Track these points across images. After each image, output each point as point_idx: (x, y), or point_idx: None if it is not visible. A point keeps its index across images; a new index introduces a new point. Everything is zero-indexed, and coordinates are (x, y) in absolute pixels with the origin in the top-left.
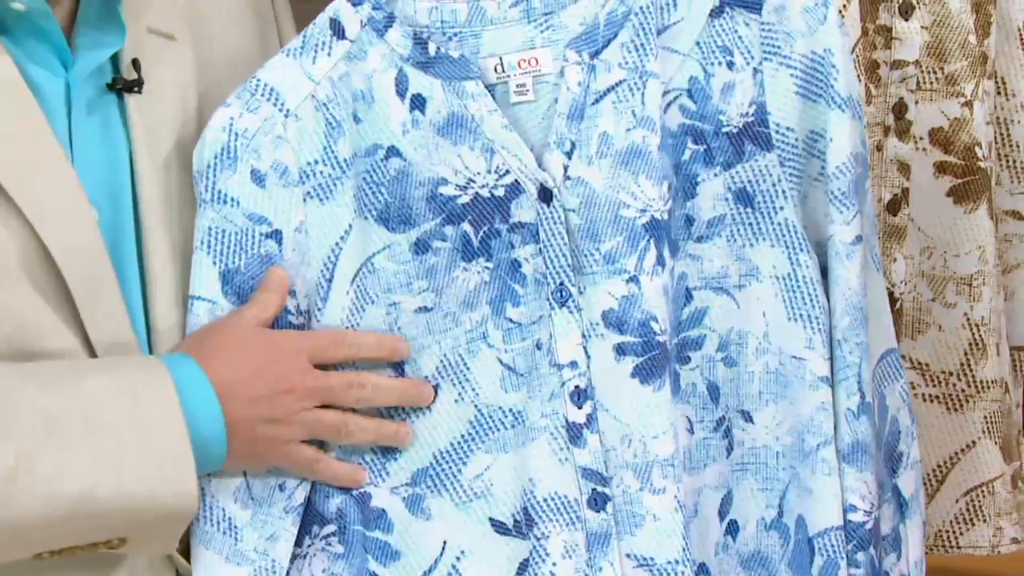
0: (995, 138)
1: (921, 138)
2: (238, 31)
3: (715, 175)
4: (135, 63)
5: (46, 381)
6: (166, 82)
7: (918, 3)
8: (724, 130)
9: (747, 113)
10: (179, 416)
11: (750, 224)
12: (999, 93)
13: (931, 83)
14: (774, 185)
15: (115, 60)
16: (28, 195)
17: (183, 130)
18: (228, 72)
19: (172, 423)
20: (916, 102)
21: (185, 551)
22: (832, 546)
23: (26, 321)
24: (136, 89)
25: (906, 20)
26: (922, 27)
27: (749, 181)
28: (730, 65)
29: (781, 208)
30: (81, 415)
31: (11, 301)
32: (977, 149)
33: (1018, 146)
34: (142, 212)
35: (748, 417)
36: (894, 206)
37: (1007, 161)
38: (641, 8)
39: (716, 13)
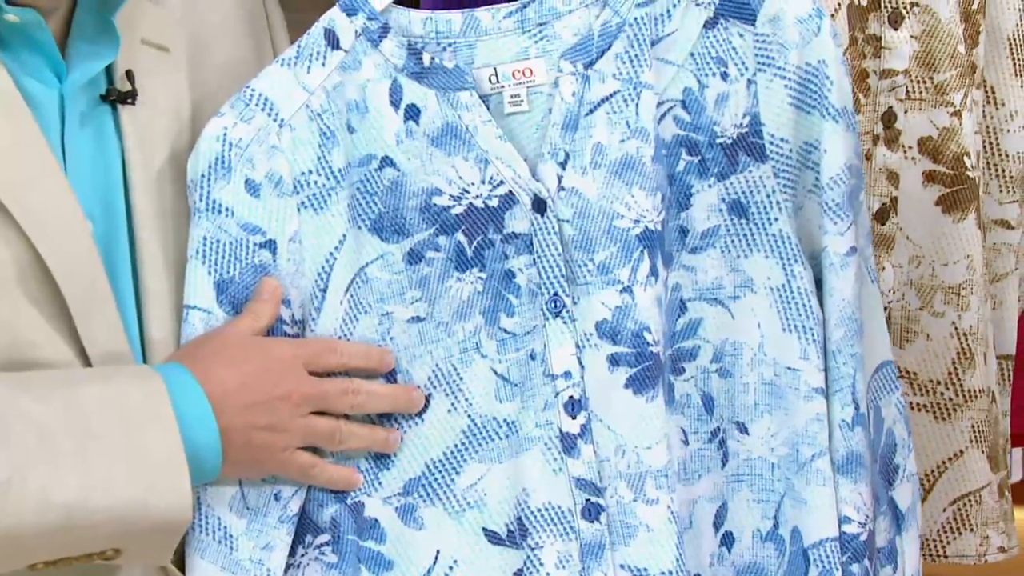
0: (984, 147)
1: (910, 147)
2: (232, 41)
3: (709, 186)
4: (129, 74)
5: (40, 391)
6: (160, 93)
7: (908, 13)
8: (718, 141)
9: (741, 124)
10: (173, 425)
11: (744, 235)
12: (989, 102)
13: (920, 92)
14: (768, 196)
15: (109, 71)
16: (23, 206)
17: (177, 141)
18: (222, 82)
19: (166, 433)
20: (905, 111)
21: (180, 562)
22: (827, 557)
23: (21, 332)
24: (130, 100)
25: (895, 29)
26: (911, 36)
27: (743, 192)
28: (724, 76)
29: (775, 219)
30: (75, 425)
31: (6, 313)
32: (966, 159)
33: (1007, 155)
34: (136, 223)
35: (743, 428)
36: (882, 215)
37: (996, 170)
38: (635, 19)
39: (710, 24)
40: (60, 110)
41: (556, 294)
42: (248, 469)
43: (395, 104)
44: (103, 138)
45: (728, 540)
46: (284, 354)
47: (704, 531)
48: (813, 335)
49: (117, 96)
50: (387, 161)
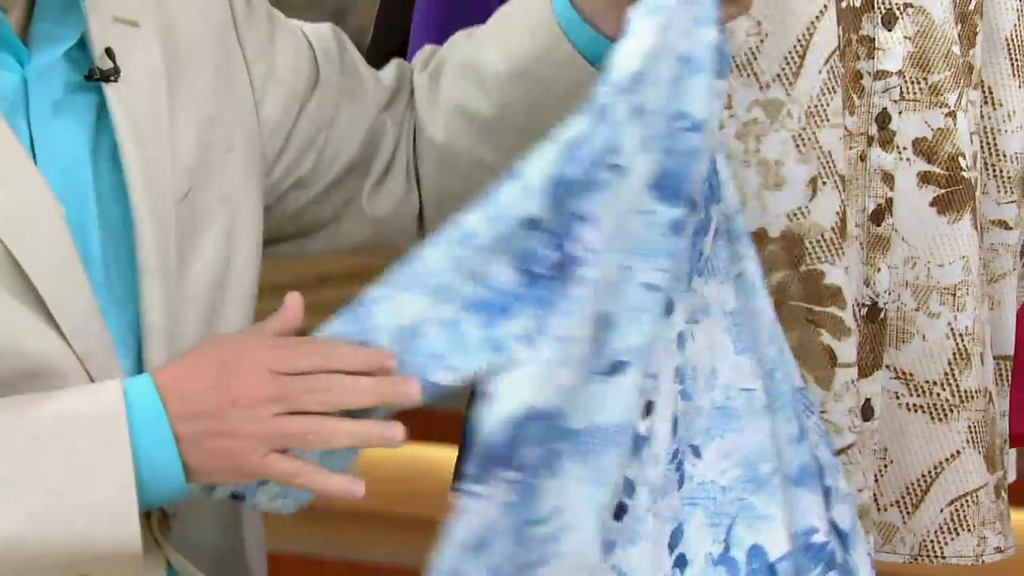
0: (982, 148)
1: (904, 148)
2: (196, 21)
3: (713, 210)
4: (109, 52)
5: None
6: (140, 69)
7: (901, 14)
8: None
9: None
10: (125, 451)
11: (708, 260)
12: (986, 103)
13: (914, 93)
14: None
15: (87, 51)
16: None
17: (158, 116)
18: (190, 61)
19: (116, 459)
20: (899, 112)
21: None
22: (794, 570)
23: (4, 324)
24: (113, 78)
25: (889, 30)
26: (905, 37)
27: (716, 218)
28: None
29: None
30: (26, 453)
31: None
32: (961, 159)
33: (1005, 156)
34: (132, 202)
35: (697, 452)
36: (878, 216)
37: (994, 171)
38: None
39: None
40: (24, 95)
41: None
42: (221, 476)
43: (718, 73)
44: (71, 119)
45: (681, 562)
46: (246, 356)
47: (661, 551)
48: (762, 355)
49: (100, 75)
50: (697, 126)
